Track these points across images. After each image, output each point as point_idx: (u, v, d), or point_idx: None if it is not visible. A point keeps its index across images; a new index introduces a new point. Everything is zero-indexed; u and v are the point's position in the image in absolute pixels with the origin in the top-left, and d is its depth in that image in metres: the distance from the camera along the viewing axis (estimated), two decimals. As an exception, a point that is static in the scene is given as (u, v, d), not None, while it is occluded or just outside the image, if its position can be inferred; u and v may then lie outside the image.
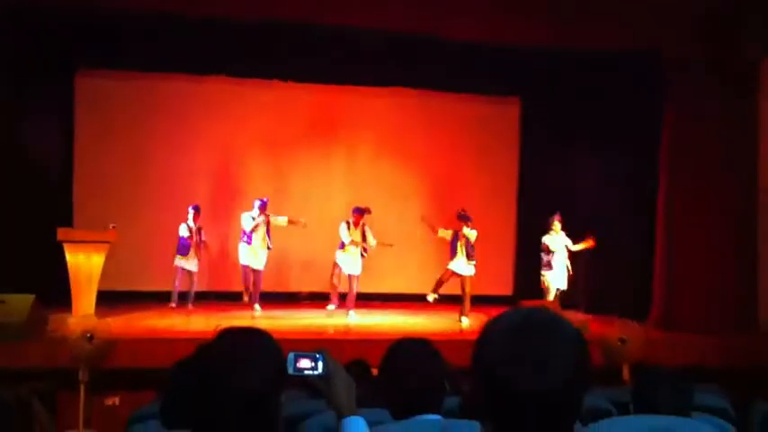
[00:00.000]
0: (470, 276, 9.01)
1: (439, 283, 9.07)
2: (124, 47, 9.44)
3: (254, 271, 9.23)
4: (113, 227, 8.10)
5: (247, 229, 9.13)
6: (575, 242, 9.33)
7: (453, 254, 9.02)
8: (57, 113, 9.98)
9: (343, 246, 9.15)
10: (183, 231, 9.29)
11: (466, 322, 8.88)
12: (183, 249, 9.33)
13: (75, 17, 8.68)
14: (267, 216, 9.23)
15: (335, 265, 9.23)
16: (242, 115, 10.70)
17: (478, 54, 9.65)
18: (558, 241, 9.29)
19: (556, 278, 9.30)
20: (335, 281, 9.29)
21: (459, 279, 9.01)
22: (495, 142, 11.46)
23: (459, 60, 9.89)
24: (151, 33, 9.09)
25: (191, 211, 9.34)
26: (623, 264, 9.93)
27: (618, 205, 10.09)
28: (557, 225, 9.26)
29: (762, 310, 8.94)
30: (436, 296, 9.06)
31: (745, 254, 8.92)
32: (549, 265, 9.29)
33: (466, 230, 8.90)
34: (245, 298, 9.27)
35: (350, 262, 9.16)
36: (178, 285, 9.37)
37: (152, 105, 10.39)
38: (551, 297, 9.20)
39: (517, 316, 1.22)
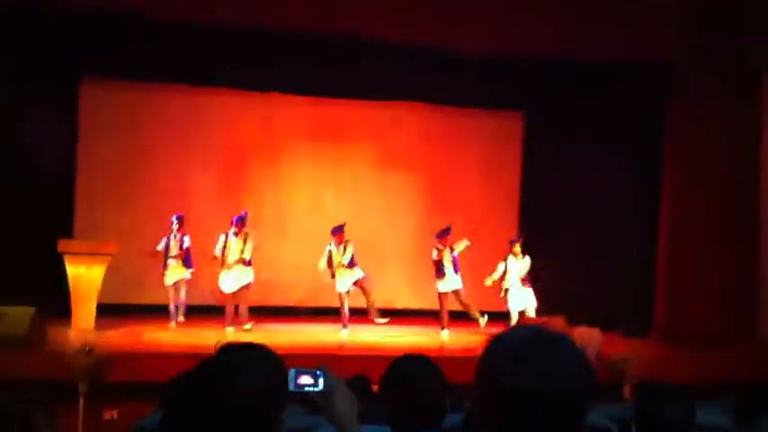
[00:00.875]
0: (462, 288, 9.21)
1: (445, 313, 9.22)
2: (129, 55, 9.47)
3: (240, 290, 8.75)
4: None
5: (217, 253, 8.76)
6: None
7: (441, 274, 9.16)
8: (59, 122, 9.97)
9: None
10: (160, 246, 8.92)
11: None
12: (163, 264, 9.00)
13: (80, 24, 8.76)
14: (244, 232, 8.82)
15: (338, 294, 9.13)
16: (244, 126, 10.73)
17: (482, 68, 9.70)
18: (514, 265, 9.24)
19: (513, 299, 9.24)
20: (344, 310, 9.14)
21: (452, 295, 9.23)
22: (497, 156, 11.46)
23: (462, 74, 9.92)
24: (155, 43, 9.15)
25: (174, 222, 8.96)
26: (626, 272, 10.03)
27: (621, 214, 10.18)
28: (517, 248, 9.26)
29: (763, 318, 8.96)
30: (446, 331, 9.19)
31: (746, 261, 8.96)
32: (505, 290, 9.26)
33: (447, 250, 9.13)
34: (230, 326, 8.67)
35: (338, 281, 9.10)
36: (172, 301, 9.09)
37: (155, 116, 10.41)
38: (514, 319, 9.15)
39: (521, 331, 1.26)
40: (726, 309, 8.73)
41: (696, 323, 8.60)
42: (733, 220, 8.96)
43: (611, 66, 9.42)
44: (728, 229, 8.92)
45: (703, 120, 8.92)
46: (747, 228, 9.06)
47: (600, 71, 9.70)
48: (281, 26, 8.54)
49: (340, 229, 9.07)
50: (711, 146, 8.92)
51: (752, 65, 8.89)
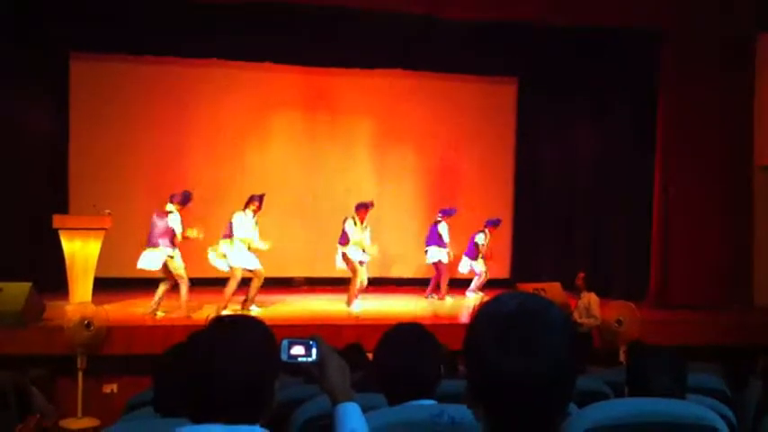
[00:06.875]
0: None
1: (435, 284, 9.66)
2: (119, 29, 9.35)
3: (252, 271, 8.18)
4: (109, 213, 8.03)
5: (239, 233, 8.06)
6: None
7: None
8: (51, 97, 9.91)
9: (346, 242, 8.63)
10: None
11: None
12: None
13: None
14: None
15: (348, 260, 8.61)
16: (237, 98, 10.64)
17: (475, 34, 9.59)
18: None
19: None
20: (359, 285, 8.70)
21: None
22: (491, 124, 11.42)
23: (455, 41, 9.82)
24: (146, 15, 9.01)
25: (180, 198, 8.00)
26: (620, 239, 10.09)
27: (615, 183, 10.21)
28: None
29: (757, 285, 9.03)
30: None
31: (740, 230, 8.99)
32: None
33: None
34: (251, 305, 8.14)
35: (355, 252, 9.01)
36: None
37: (148, 89, 10.33)
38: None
39: (507, 300, 1.22)
40: (720, 277, 8.77)
41: (690, 292, 8.65)
42: (728, 187, 8.95)
43: (604, 31, 9.33)
44: (723, 197, 8.92)
45: (696, 85, 8.87)
46: (742, 195, 9.06)
47: (593, 37, 9.61)
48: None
49: (365, 206, 8.70)
50: (705, 112, 8.89)
51: (743, 26, 8.82)
